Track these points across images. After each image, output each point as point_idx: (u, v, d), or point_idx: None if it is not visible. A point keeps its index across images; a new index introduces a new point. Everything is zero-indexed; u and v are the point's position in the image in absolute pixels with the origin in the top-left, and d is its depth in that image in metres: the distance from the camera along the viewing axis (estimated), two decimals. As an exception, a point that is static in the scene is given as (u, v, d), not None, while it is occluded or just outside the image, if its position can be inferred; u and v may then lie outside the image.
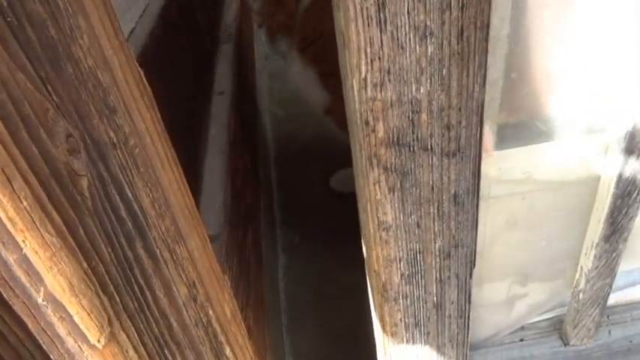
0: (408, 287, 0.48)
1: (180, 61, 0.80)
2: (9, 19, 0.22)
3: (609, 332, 0.58)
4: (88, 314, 0.27)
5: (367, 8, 0.31)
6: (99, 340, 0.27)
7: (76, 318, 0.26)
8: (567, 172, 0.47)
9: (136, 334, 0.31)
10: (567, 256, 0.53)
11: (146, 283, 0.33)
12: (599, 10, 0.38)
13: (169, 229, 0.35)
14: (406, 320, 0.51)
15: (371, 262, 0.46)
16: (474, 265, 0.49)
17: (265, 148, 1.35)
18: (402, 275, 0.47)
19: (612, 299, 0.58)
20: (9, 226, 0.22)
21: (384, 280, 0.47)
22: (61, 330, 0.26)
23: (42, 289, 0.24)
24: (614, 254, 0.50)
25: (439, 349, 0.56)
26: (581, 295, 0.55)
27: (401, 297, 0.49)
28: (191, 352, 0.40)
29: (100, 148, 0.28)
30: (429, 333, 0.53)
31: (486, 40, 0.33)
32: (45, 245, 0.24)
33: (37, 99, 0.23)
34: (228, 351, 0.45)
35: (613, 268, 0.51)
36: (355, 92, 0.35)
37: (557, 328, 0.61)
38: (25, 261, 0.23)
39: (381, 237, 0.43)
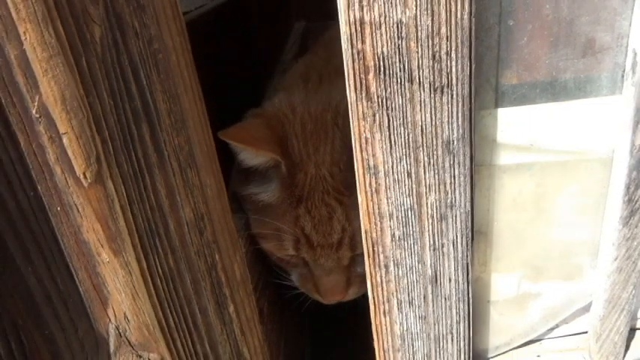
0: (399, 252, 0.45)
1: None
2: None
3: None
4: (77, 139, 0.27)
5: None
6: (85, 175, 0.28)
7: (65, 140, 0.27)
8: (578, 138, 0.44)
9: (124, 192, 0.31)
10: (582, 247, 0.48)
11: (146, 164, 0.32)
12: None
13: (182, 147, 0.35)
14: (399, 296, 0.48)
15: (363, 220, 0.44)
16: (472, 238, 0.46)
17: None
18: (393, 236, 0.45)
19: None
20: (14, 14, 0.24)
21: (374, 238, 0.45)
22: (50, 154, 0.27)
23: (37, 97, 0.25)
24: (636, 242, 0.45)
25: (437, 341, 0.51)
26: (601, 298, 0.49)
27: (392, 264, 0.46)
28: (188, 273, 0.37)
29: (121, 24, 0.29)
30: (424, 317, 0.49)
31: (474, -37, 0.34)
32: (44, 44, 0.25)
33: None
34: (232, 309, 0.42)
35: (635, 260, 0.46)
36: (343, 13, 0.36)
37: (581, 346, 0.54)
38: (24, 59, 0.25)
39: (370, 183, 0.42)
